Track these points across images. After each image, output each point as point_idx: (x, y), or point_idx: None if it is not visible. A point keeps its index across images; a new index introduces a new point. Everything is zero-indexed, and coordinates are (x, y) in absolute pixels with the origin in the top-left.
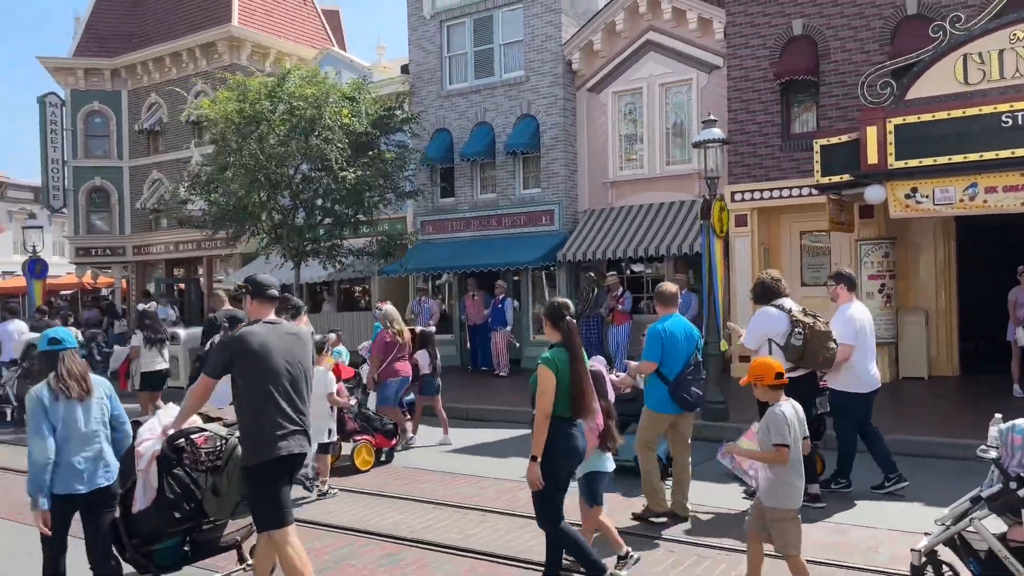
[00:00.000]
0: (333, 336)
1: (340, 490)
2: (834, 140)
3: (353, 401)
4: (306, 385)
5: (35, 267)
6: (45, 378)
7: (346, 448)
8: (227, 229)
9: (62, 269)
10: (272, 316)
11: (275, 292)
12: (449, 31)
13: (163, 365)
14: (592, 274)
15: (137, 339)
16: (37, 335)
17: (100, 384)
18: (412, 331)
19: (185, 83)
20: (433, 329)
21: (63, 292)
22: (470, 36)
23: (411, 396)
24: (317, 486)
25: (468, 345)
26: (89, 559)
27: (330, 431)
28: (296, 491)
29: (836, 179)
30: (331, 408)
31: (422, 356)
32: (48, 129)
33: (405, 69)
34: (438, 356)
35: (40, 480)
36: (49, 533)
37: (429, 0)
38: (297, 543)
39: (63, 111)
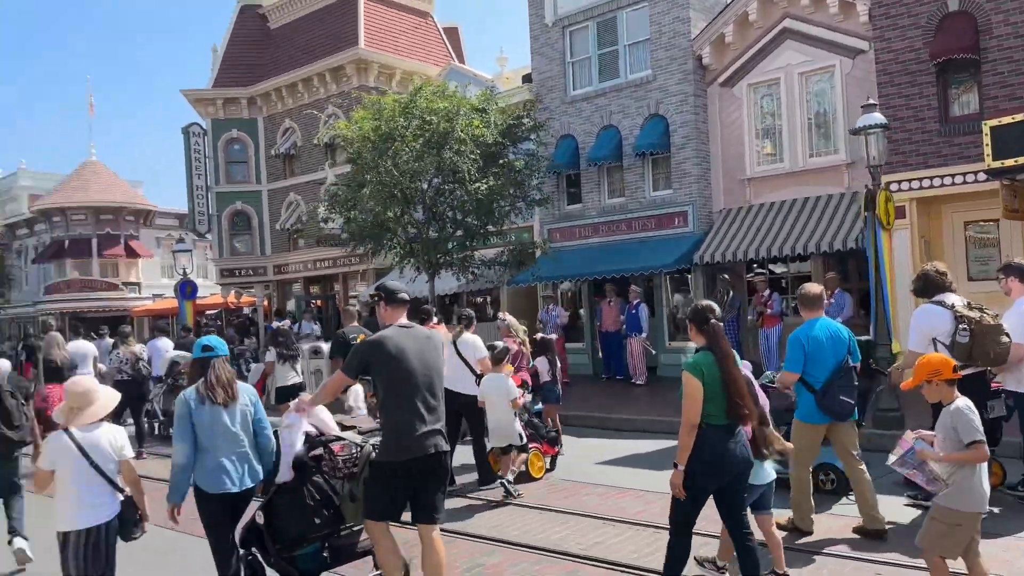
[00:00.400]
0: (514, 346)
1: (499, 502)
2: (1006, 121)
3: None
4: (441, 387)
5: (186, 288)
6: (196, 383)
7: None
8: (365, 245)
9: (207, 290)
10: (404, 320)
11: (405, 296)
12: (571, 36)
13: (296, 379)
14: (726, 276)
15: (271, 355)
16: (181, 353)
17: (246, 391)
18: (531, 339)
19: (316, 107)
20: (553, 337)
21: (209, 312)
22: (593, 39)
23: (539, 405)
24: (506, 483)
25: (600, 353)
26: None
27: (520, 435)
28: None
29: (1010, 163)
30: (515, 413)
31: (541, 363)
32: (192, 158)
33: (527, 78)
34: (558, 364)
35: (177, 478)
36: (177, 523)
37: (551, 7)
38: (391, 542)
39: (205, 140)
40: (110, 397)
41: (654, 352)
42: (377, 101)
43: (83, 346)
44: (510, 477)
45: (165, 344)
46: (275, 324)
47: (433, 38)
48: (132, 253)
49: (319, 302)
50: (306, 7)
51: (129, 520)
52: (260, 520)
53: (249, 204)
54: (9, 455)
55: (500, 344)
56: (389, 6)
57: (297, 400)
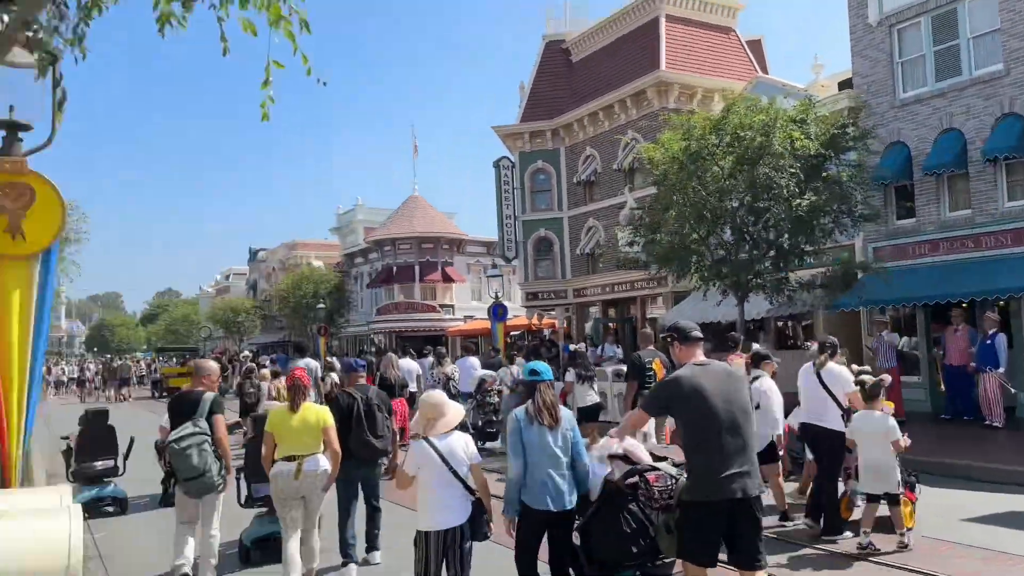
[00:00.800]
0: (888, 377)
1: (852, 556)
2: None
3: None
4: (747, 425)
5: (497, 311)
6: (525, 403)
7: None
8: (670, 267)
9: (512, 312)
10: (701, 357)
11: (698, 334)
12: (900, 34)
13: (595, 399)
14: None
15: (570, 376)
16: (488, 372)
17: (567, 416)
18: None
19: (616, 133)
20: (886, 378)
21: (512, 333)
22: (927, 36)
23: None
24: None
25: (943, 388)
26: (552, 573)
27: (899, 482)
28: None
29: None
30: (895, 455)
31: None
32: (502, 189)
33: (844, 84)
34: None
35: (511, 493)
36: (511, 536)
37: (875, 6)
38: None
39: (513, 172)
40: (457, 410)
41: (1013, 391)
42: (686, 120)
43: (411, 365)
44: (867, 528)
45: (474, 363)
46: (572, 347)
47: (735, 52)
48: (448, 278)
49: (614, 325)
50: (607, 37)
51: (479, 521)
52: (577, 541)
53: (551, 230)
54: (373, 462)
55: (868, 376)
56: (690, 26)
57: (606, 436)
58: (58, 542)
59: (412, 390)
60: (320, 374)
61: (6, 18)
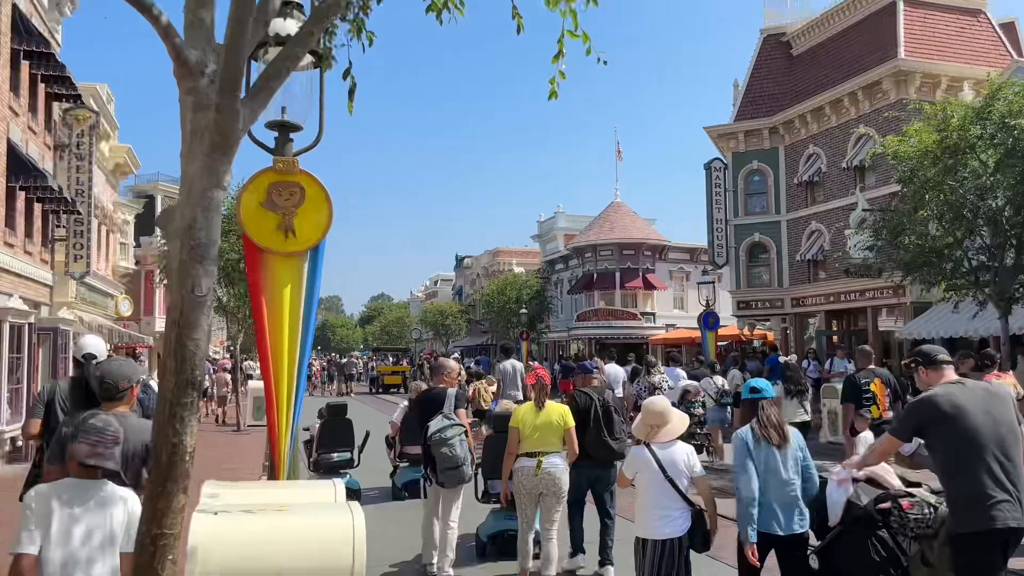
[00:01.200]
0: None
1: None
2: None
3: None
4: (1016, 447)
5: (708, 319)
6: (749, 422)
7: None
8: (916, 275)
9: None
10: (954, 375)
11: (946, 357)
12: None
13: (804, 416)
14: None
15: (778, 389)
16: (692, 383)
17: (795, 435)
18: None
19: (845, 129)
20: None
21: (718, 344)
22: None
23: None
24: None
25: None
26: None
27: None
28: None
29: None
30: None
31: None
32: (713, 192)
33: None
34: None
35: (746, 515)
36: (758, 564)
37: None
38: None
39: (725, 174)
40: (682, 419)
41: None
42: (941, 110)
43: (616, 370)
44: None
45: (680, 373)
46: (782, 358)
47: (986, 37)
48: (649, 285)
49: (835, 338)
50: (834, 26)
51: (699, 533)
52: (815, 565)
53: (767, 235)
54: (609, 464)
55: None
56: (932, 10)
57: (846, 462)
58: (342, 542)
59: (618, 395)
60: (520, 376)
61: (293, 30)
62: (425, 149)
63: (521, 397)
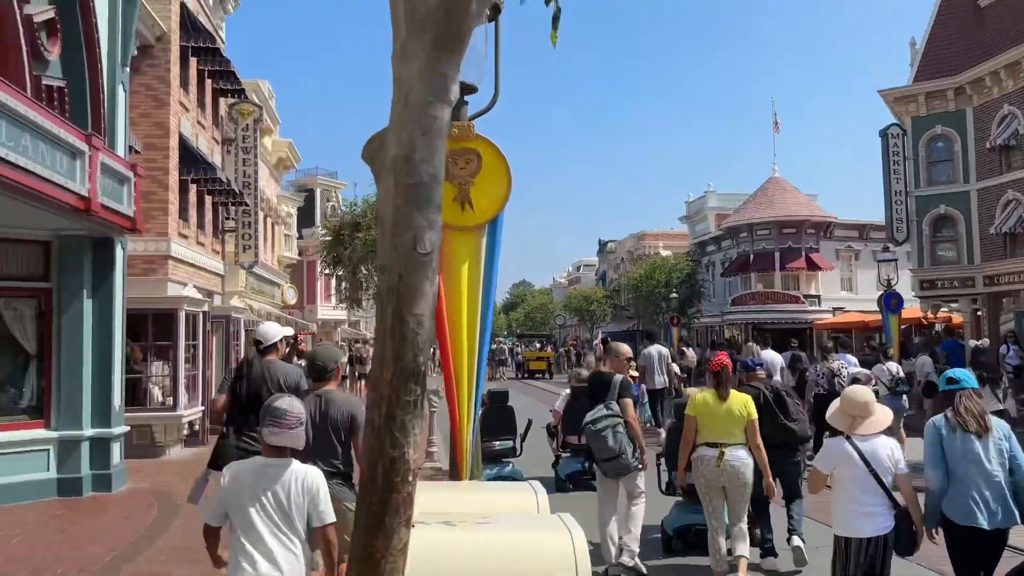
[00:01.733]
0: None
1: None
2: None
3: None
4: None
5: (890, 301)
6: (943, 412)
7: None
8: None
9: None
10: None
11: None
12: None
13: (998, 406)
14: None
15: None
16: (863, 371)
17: (1000, 425)
18: None
19: None
20: None
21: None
22: None
23: None
24: None
25: None
26: None
27: None
28: None
29: None
30: None
31: None
32: (891, 161)
33: None
34: None
35: (932, 505)
36: (937, 543)
37: None
38: None
39: (903, 141)
40: (885, 412)
41: None
42: None
43: (773, 356)
44: None
45: (850, 360)
46: (973, 342)
47: None
48: (813, 266)
49: None
50: None
51: (903, 534)
52: None
53: (954, 207)
54: (789, 447)
55: None
56: None
57: None
58: (564, 569)
59: (776, 380)
60: (664, 362)
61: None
62: (565, 133)
63: (665, 382)
